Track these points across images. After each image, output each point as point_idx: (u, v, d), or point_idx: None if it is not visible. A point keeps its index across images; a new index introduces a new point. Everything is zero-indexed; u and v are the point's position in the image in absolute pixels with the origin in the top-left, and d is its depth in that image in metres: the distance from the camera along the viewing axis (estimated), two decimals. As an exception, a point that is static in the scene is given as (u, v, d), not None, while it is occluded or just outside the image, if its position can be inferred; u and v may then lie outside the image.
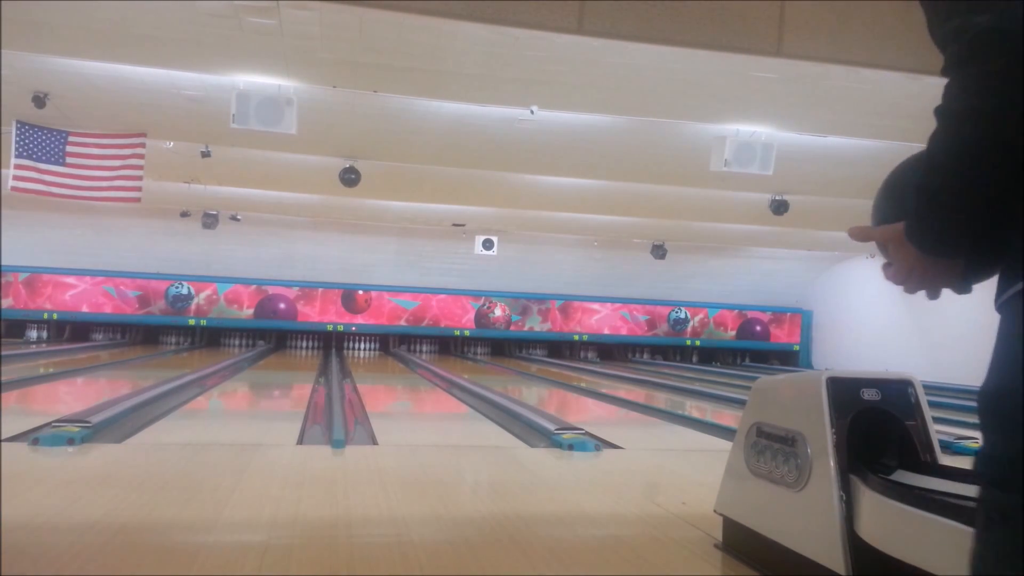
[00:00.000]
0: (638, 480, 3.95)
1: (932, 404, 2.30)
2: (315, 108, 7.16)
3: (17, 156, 7.88)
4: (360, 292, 14.91)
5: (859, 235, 1.27)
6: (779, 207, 10.20)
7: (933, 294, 1.18)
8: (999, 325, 1.07)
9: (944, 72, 1.02)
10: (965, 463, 4.51)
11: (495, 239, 14.49)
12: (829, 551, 2.01)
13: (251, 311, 14.45)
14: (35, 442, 3.92)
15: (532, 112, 7.10)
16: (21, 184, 7.98)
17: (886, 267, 1.21)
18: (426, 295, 15.15)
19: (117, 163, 8.18)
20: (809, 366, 15.90)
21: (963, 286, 1.15)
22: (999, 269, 1.09)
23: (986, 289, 1.23)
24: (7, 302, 13.48)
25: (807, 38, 4.95)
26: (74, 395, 7.25)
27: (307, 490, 3.28)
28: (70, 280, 13.84)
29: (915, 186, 1.08)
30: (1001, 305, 1.07)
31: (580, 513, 3.15)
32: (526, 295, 15.61)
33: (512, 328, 15.54)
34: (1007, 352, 1.04)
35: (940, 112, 1.02)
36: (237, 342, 14.78)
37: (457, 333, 15.30)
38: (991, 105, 0.96)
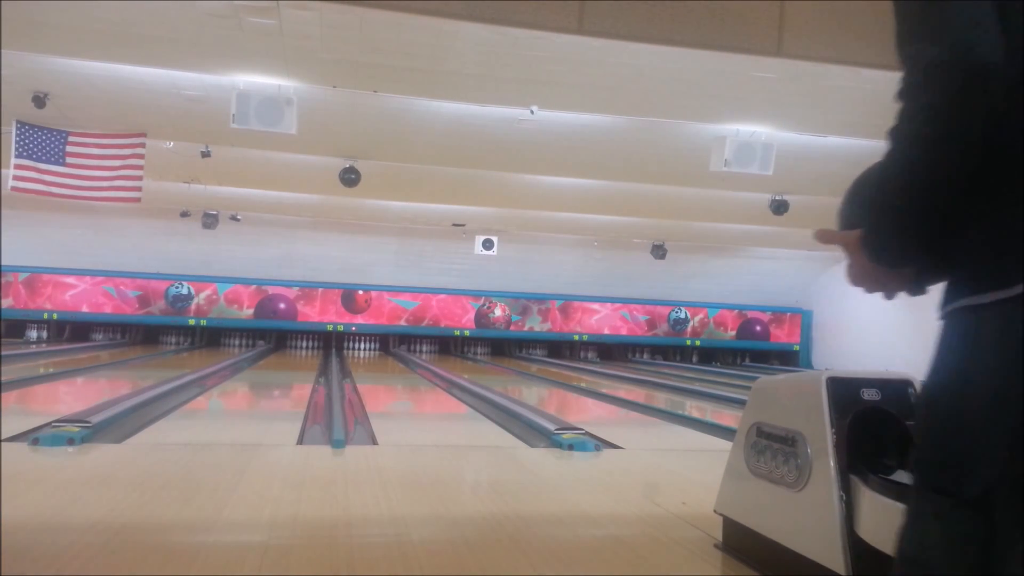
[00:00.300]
0: (638, 480, 3.95)
1: (932, 404, 2.30)
2: (315, 108, 7.16)
3: (17, 156, 7.88)
4: (360, 292, 14.91)
5: (823, 238, 1.35)
6: (779, 207, 10.20)
7: (889, 295, 1.26)
8: (940, 332, 1.16)
9: (898, 96, 1.09)
10: None
11: (495, 239, 14.49)
12: (829, 551, 2.01)
13: (251, 311, 14.45)
14: (35, 442, 3.92)
15: (532, 112, 7.10)
16: (21, 184, 7.98)
17: (847, 268, 1.28)
18: (426, 295, 15.15)
19: (117, 163, 8.18)
20: (809, 366, 15.90)
21: (915, 289, 1.24)
22: (948, 276, 1.17)
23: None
24: (7, 302, 13.48)
25: (807, 38, 4.95)
26: (74, 395, 7.25)
27: (307, 490, 3.28)
28: (70, 280, 13.84)
29: (869, 201, 1.18)
30: (944, 315, 1.16)
31: (580, 513, 3.15)
32: (526, 295, 15.61)
33: (512, 328, 15.54)
34: (943, 363, 1.15)
35: (892, 134, 1.09)
36: (237, 342, 14.78)
37: (457, 333, 15.30)
38: (938, 134, 1.04)
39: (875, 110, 6.47)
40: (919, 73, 1.06)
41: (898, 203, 1.12)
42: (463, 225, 14.35)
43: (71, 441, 3.96)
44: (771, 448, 2.34)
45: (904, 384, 2.21)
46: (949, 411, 1.14)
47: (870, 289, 1.26)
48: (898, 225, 1.14)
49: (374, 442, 4.65)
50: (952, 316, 1.15)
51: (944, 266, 1.17)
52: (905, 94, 1.08)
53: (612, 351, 16.11)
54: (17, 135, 7.85)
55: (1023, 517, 1.04)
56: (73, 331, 14.09)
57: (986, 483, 1.06)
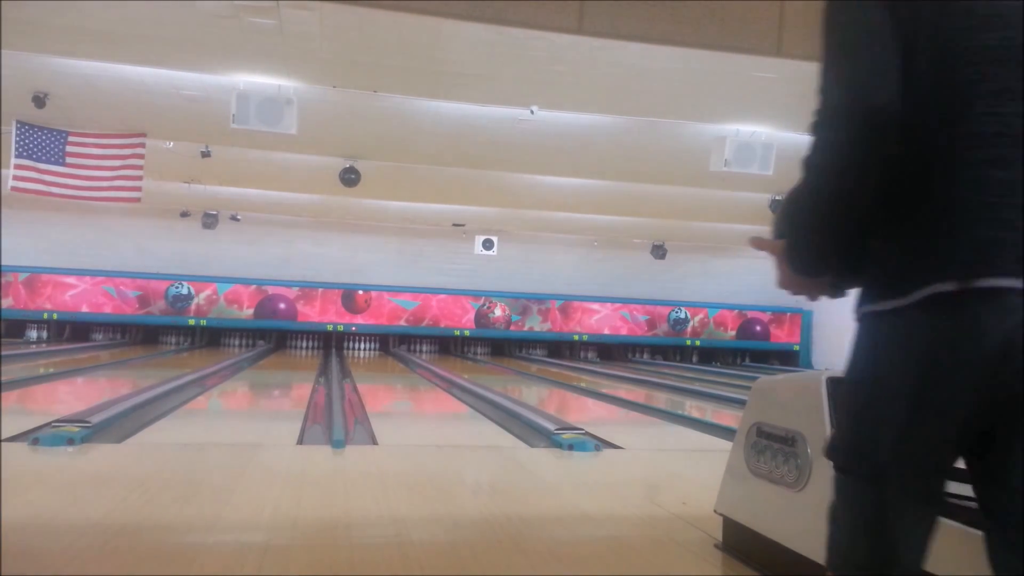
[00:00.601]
0: (638, 480, 3.95)
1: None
2: (315, 108, 7.16)
3: (17, 156, 7.88)
4: (360, 292, 14.90)
5: (756, 244, 1.51)
6: (779, 207, 10.19)
7: (812, 298, 1.44)
8: (855, 332, 1.33)
9: (810, 129, 1.25)
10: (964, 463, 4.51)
11: (495, 239, 14.49)
12: (829, 551, 2.01)
13: (251, 311, 14.44)
14: (35, 442, 3.92)
15: (532, 112, 7.10)
16: (21, 184, 7.98)
17: (776, 273, 1.44)
18: (426, 295, 15.15)
19: (117, 163, 8.18)
20: (809, 366, 15.88)
21: (835, 293, 1.41)
22: (861, 283, 1.34)
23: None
24: (7, 302, 13.47)
25: (807, 38, 4.95)
26: (74, 395, 7.25)
27: (307, 490, 3.28)
28: (70, 280, 13.84)
29: (789, 217, 1.35)
30: (856, 318, 1.33)
31: (580, 513, 3.15)
32: (526, 295, 15.61)
33: (512, 328, 15.54)
34: (854, 362, 1.33)
35: (804, 162, 1.26)
36: (237, 342, 14.78)
37: (457, 333, 15.30)
38: (838, 167, 1.21)
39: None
40: (826, 112, 1.23)
41: (808, 222, 1.30)
42: (463, 225, 14.35)
43: (71, 441, 3.95)
44: (771, 448, 2.34)
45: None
46: (853, 404, 1.33)
47: (795, 292, 1.42)
48: (810, 241, 1.32)
49: (374, 442, 4.65)
50: (861, 320, 1.32)
51: (854, 276, 1.33)
52: (815, 128, 1.24)
53: (612, 351, 16.11)
54: (17, 135, 7.85)
55: (909, 492, 1.24)
56: (73, 331, 14.09)
57: (879, 465, 1.24)
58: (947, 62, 1.22)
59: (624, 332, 16.09)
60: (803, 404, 2.23)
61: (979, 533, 1.33)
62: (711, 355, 16.59)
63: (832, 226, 1.27)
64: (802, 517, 2.16)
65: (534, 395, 9.03)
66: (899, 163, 1.23)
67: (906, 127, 1.20)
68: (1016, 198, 1.18)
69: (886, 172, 1.22)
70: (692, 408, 7.99)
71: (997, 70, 1.22)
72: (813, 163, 1.24)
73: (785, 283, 1.42)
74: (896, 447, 1.24)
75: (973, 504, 1.46)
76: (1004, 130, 1.20)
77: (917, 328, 1.21)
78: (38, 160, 7.96)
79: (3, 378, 6.58)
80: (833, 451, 1.35)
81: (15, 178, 7.94)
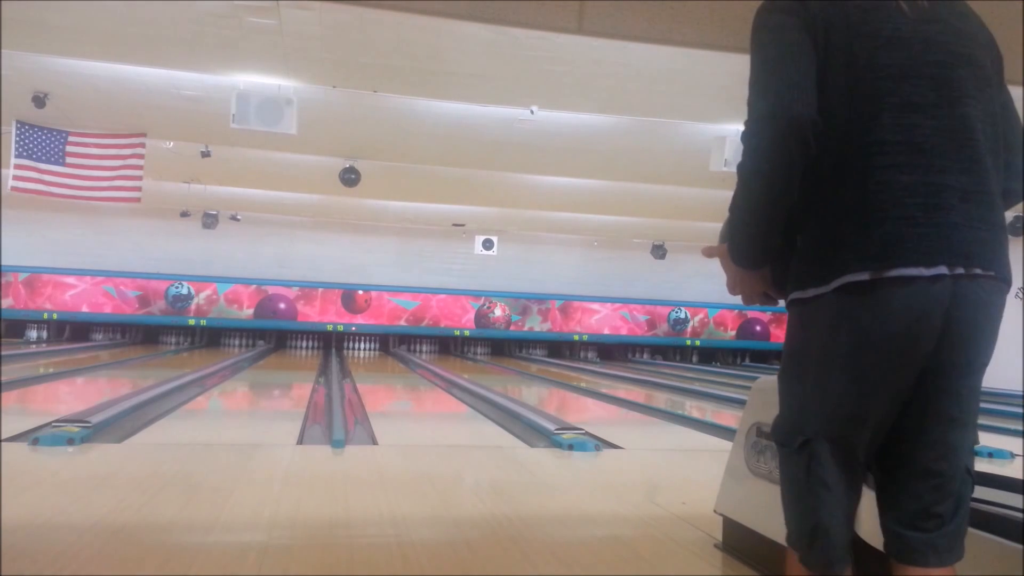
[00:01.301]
0: (638, 480, 3.95)
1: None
2: (315, 108, 7.16)
3: (17, 156, 7.88)
4: (360, 292, 14.90)
5: (706, 252, 1.69)
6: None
7: (762, 301, 1.59)
8: (788, 318, 1.52)
9: (741, 136, 1.44)
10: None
11: (495, 239, 14.49)
12: (829, 551, 2.01)
13: (251, 311, 14.44)
14: (35, 442, 3.92)
15: (532, 112, 7.10)
16: (21, 184, 7.98)
17: (727, 280, 1.61)
18: (426, 295, 15.15)
19: (117, 163, 8.18)
20: (809, 366, 15.86)
21: (778, 292, 1.55)
22: (789, 275, 1.50)
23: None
24: (7, 302, 13.47)
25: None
26: (74, 395, 7.24)
27: (307, 490, 3.28)
28: (70, 280, 13.84)
29: (729, 217, 1.52)
30: (787, 304, 1.50)
31: (580, 513, 3.15)
32: (526, 295, 15.61)
33: (512, 328, 15.54)
34: (786, 344, 1.52)
35: (737, 168, 1.44)
36: (237, 342, 14.78)
37: (457, 333, 15.30)
38: (763, 169, 1.39)
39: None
40: (752, 122, 1.41)
41: (744, 219, 1.47)
42: (463, 225, 14.35)
43: (71, 441, 3.95)
44: (771, 448, 2.34)
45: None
46: (785, 382, 1.52)
47: (746, 299, 1.59)
48: (747, 234, 1.49)
49: (374, 442, 4.65)
50: (789, 306, 1.49)
51: (786, 267, 1.50)
52: (744, 137, 1.42)
53: (612, 351, 16.11)
54: (17, 135, 7.85)
55: (830, 460, 1.41)
56: (73, 331, 14.09)
57: (804, 437, 1.42)
58: (858, 78, 1.38)
59: (624, 332, 16.09)
60: (803, 404, 2.22)
61: (982, 535, 1.35)
62: (711, 355, 16.59)
63: (765, 219, 1.44)
64: (802, 517, 2.16)
65: (534, 395, 9.03)
66: (818, 166, 1.39)
67: (823, 135, 1.37)
68: (919, 198, 1.34)
69: (807, 171, 1.39)
70: (692, 408, 7.99)
71: (901, 86, 1.37)
72: (744, 167, 1.42)
73: (732, 286, 1.60)
74: (820, 417, 1.41)
75: (972, 504, 1.47)
76: (906, 139, 1.35)
77: (835, 311, 1.37)
78: (38, 160, 7.96)
79: (3, 378, 6.58)
80: (773, 429, 1.53)
81: (15, 178, 7.94)
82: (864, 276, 1.33)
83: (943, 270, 1.32)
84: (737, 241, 1.52)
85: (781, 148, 1.37)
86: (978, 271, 1.34)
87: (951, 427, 1.39)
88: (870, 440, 1.42)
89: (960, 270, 1.33)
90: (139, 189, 8.30)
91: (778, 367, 1.57)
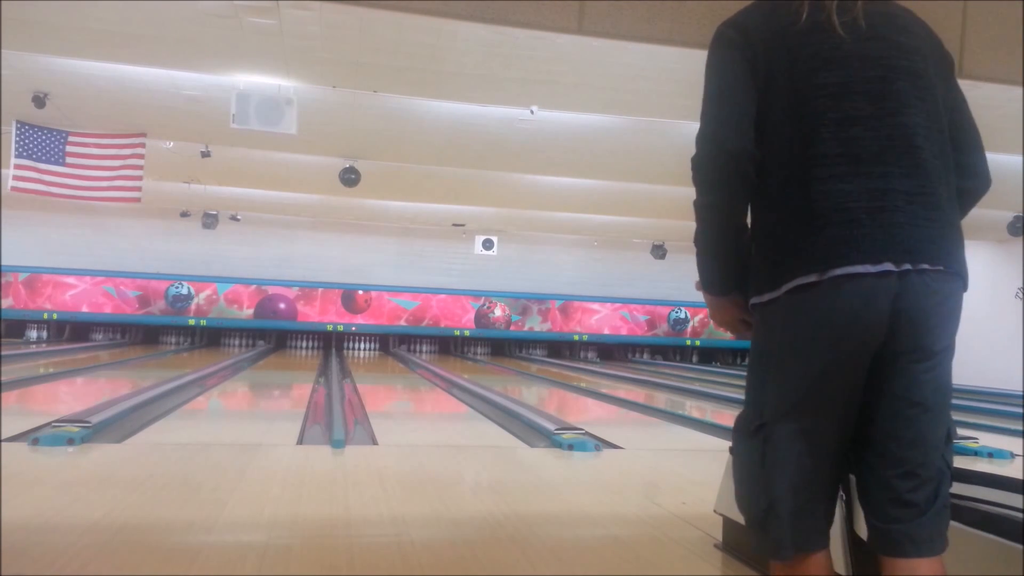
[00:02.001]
0: (638, 480, 3.95)
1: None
2: (315, 108, 7.16)
3: (17, 156, 7.88)
4: (360, 292, 14.91)
5: (697, 287, 1.77)
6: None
7: (744, 327, 1.67)
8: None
9: (691, 178, 1.58)
10: (965, 463, 4.51)
11: (495, 239, 14.49)
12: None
13: (251, 311, 14.45)
14: (35, 442, 3.92)
15: (532, 112, 7.09)
16: (21, 184, 7.98)
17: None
18: (426, 295, 15.15)
19: (117, 163, 8.18)
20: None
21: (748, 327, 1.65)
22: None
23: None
24: (7, 302, 13.47)
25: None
26: (74, 395, 7.25)
27: (307, 490, 3.28)
28: (70, 280, 13.84)
29: (696, 254, 1.66)
30: (750, 308, 1.59)
31: (580, 513, 3.15)
32: (526, 295, 15.61)
33: (512, 328, 15.54)
34: (750, 350, 1.62)
35: (692, 203, 1.61)
36: (237, 342, 14.78)
37: (457, 333, 15.30)
38: (711, 201, 1.57)
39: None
40: (696, 160, 1.55)
41: (703, 247, 1.64)
42: (463, 225, 14.35)
43: (71, 441, 3.95)
44: (771, 448, 2.34)
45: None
46: (747, 383, 1.61)
47: (730, 329, 1.71)
48: (706, 261, 1.65)
49: (374, 442, 4.65)
50: (751, 312, 1.59)
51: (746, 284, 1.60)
52: (692, 170, 1.57)
53: (612, 351, 16.12)
54: (17, 135, 7.85)
55: (784, 443, 1.47)
56: (73, 331, 14.09)
57: (758, 423, 1.51)
58: (800, 98, 1.47)
59: (624, 332, 16.09)
60: (803, 404, 2.22)
61: (981, 535, 1.35)
62: (711, 355, 16.60)
63: (720, 244, 1.60)
64: (802, 517, 2.16)
65: (534, 395, 9.03)
66: (766, 183, 1.50)
67: (768, 152, 1.48)
68: (862, 202, 1.41)
69: (756, 190, 1.51)
70: (692, 408, 7.99)
71: (840, 103, 1.45)
72: (696, 203, 1.59)
73: (711, 315, 1.73)
74: (775, 404, 1.50)
75: (972, 504, 1.47)
76: (846, 151, 1.43)
77: (787, 311, 1.46)
78: (38, 160, 7.96)
79: (3, 378, 6.58)
80: (736, 421, 1.62)
81: (15, 178, 7.93)
82: (812, 278, 1.41)
83: (889, 266, 1.38)
84: (702, 269, 1.66)
85: (723, 181, 1.53)
86: (925, 266, 1.40)
87: (915, 413, 1.44)
88: (836, 431, 1.47)
89: (907, 266, 1.39)
90: (139, 189, 8.30)
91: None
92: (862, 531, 1.95)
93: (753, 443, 1.52)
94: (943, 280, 1.42)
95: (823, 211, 1.42)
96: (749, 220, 1.59)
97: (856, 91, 1.46)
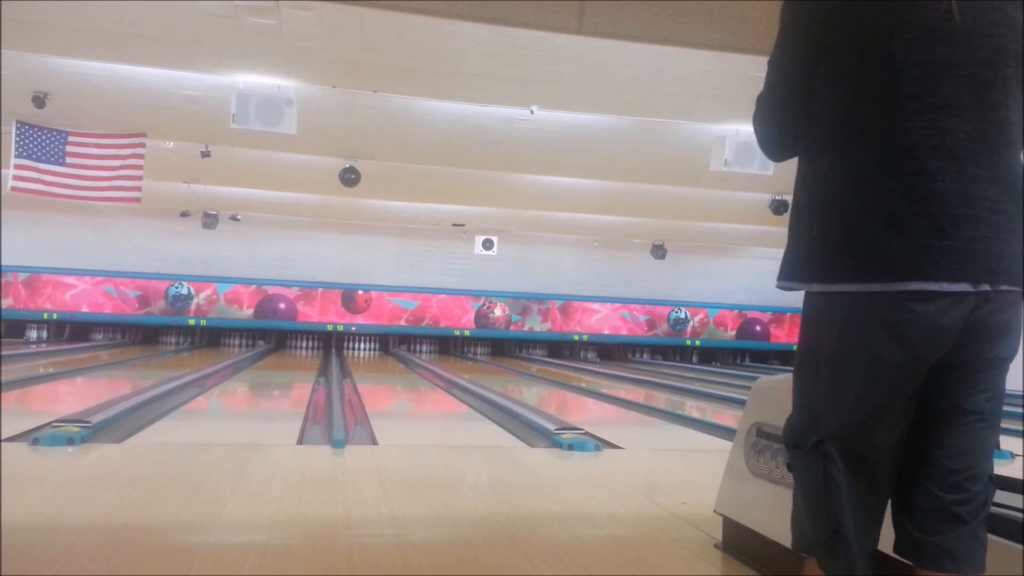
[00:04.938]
0: (638, 480, 3.95)
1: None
2: (315, 108, 7.16)
3: (17, 156, 7.88)
4: (360, 292, 14.90)
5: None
6: (779, 207, 10.20)
7: None
8: (803, 308, 1.51)
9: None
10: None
11: (495, 239, 14.49)
12: (829, 551, 2.00)
13: (251, 311, 14.44)
14: (35, 442, 3.92)
15: (532, 112, 7.09)
16: (21, 184, 7.98)
17: None
18: (426, 295, 15.15)
19: (117, 163, 8.18)
20: (809, 366, 15.85)
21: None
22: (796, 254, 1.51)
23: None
24: (7, 302, 13.47)
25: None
26: (74, 395, 7.25)
27: (307, 490, 3.28)
28: (70, 280, 13.84)
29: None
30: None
31: (580, 513, 3.15)
32: (526, 295, 15.61)
33: (512, 328, 15.54)
34: (799, 342, 1.53)
35: (756, 99, 1.57)
36: (237, 342, 14.78)
37: (457, 333, 15.30)
38: (759, 112, 1.55)
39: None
40: (759, 104, 1.55)
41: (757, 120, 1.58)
42: (463, 225, 14.35)
43: (71, 441, 3.95)
44: (771, 448, 2.34)
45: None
46: (796, 384, 1.50)
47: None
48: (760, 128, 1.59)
49: (374, 442, 4.65)
50: (807, 297, 1.45)
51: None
52: (756, 104, 1.57)
53: (612, 351, 16.11)
54: (17, 135, 7.85)
55: (843, 461, 1.37)
56: (73, 331, 14.09)
57: (817, 437, 1.39)
58: (893, 70, 1.30)
59: (624, 332, 16.09)
60: (803, 404, 2.22)
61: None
62: (711, 355, 16.59)
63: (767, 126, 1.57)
64: (802, 517, 2.16)
65: (534, 395, 9.03)
66: (846, 161, 1.37)
67: (849, 131, 1.36)
68: (948, 209, 1.28)
69: (832, 163, 1.40)
70: (692, 408, 7.99)
71: (940, 86, 1.29)
72: (756, 112, 1.57)
73: None
74: (833, 418, 1.38)
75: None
76: (940, 143, 1.29)
77: (853, 315, 1.34)
78: (38, 160, 7.96)
79: (3, 378, 6.58)
80: (785, 430, 1.51)
81: (15, 178, 7.94)
82: (885, 287, 1.30)
83: (966, 287, 1.28)
84: (758, 131, 1.62)
85: (768, 145, 1.59)
86: (1004, 288, 1.31)
87: (968, 423, 1.36)
88: (889, 442, 1.38)
89: (985, 287, 1.29)
90: (139, 189, 8.30)
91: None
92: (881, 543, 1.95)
93: (812, 461, 1.40)
94: (1016, 299, 1.34)
95: (904, 212, 1.29)
96: (813, 189, 1.46)
97: (959, 74, 1.29)
